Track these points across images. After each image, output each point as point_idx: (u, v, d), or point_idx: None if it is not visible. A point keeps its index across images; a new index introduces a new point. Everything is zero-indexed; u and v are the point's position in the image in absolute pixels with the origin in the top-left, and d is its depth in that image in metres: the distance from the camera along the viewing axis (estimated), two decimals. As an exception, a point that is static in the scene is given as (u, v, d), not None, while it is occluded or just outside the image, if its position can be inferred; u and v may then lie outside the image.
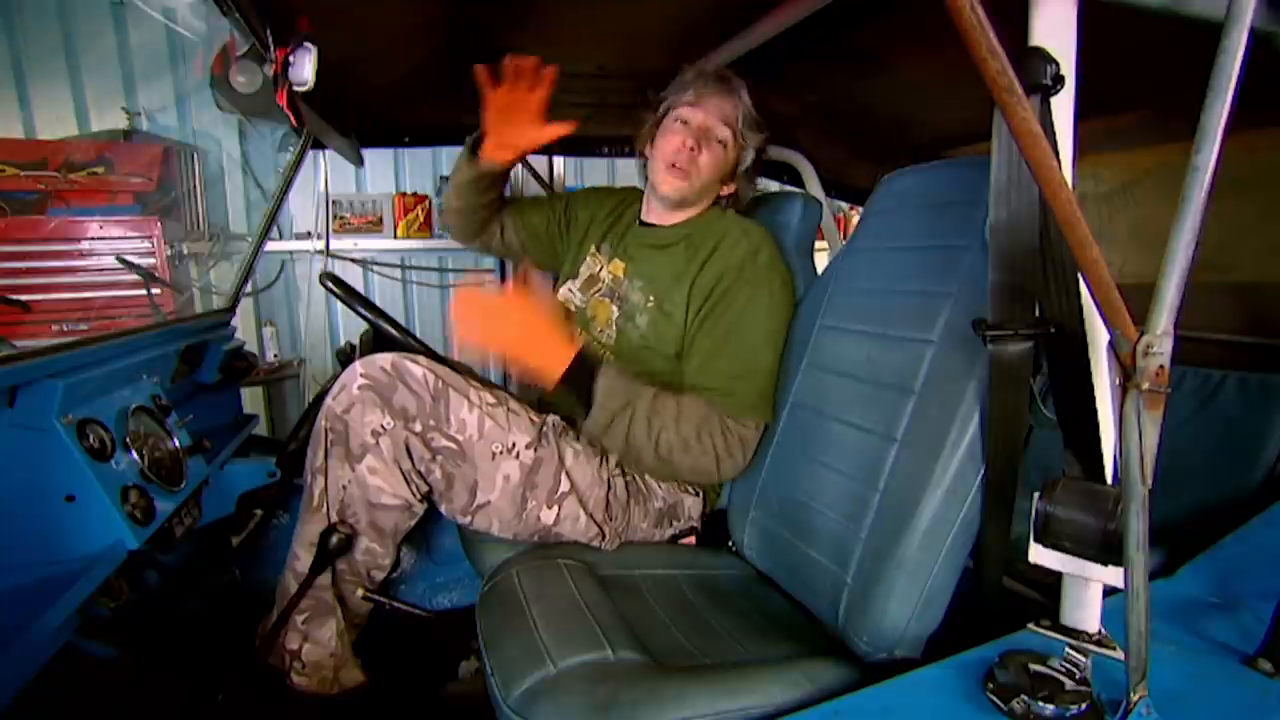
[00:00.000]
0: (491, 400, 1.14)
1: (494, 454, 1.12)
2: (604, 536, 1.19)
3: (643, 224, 1.38)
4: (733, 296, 1.19)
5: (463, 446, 1.10)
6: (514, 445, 1.13)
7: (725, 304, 1.19)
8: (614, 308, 1.32)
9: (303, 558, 1.12)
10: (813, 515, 1.03)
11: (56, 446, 0.90)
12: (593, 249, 1.43)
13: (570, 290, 1.42)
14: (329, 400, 1.09)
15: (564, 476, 1.15)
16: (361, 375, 1.08)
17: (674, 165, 1.24)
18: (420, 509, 1.15)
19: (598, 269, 1.40)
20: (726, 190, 1.33)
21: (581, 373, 1.10)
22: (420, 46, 1.33)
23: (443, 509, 1.17)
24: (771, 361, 1.19)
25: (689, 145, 1.23)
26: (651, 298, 1.27)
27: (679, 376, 1.22)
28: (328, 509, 1.10)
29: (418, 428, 1.08)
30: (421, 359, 1.12)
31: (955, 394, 0.84)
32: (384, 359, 1.10)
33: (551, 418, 1.21)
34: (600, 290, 1.37)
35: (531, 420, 1.17)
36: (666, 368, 1.24)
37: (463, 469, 1.11)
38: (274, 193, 1.64)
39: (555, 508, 1.15)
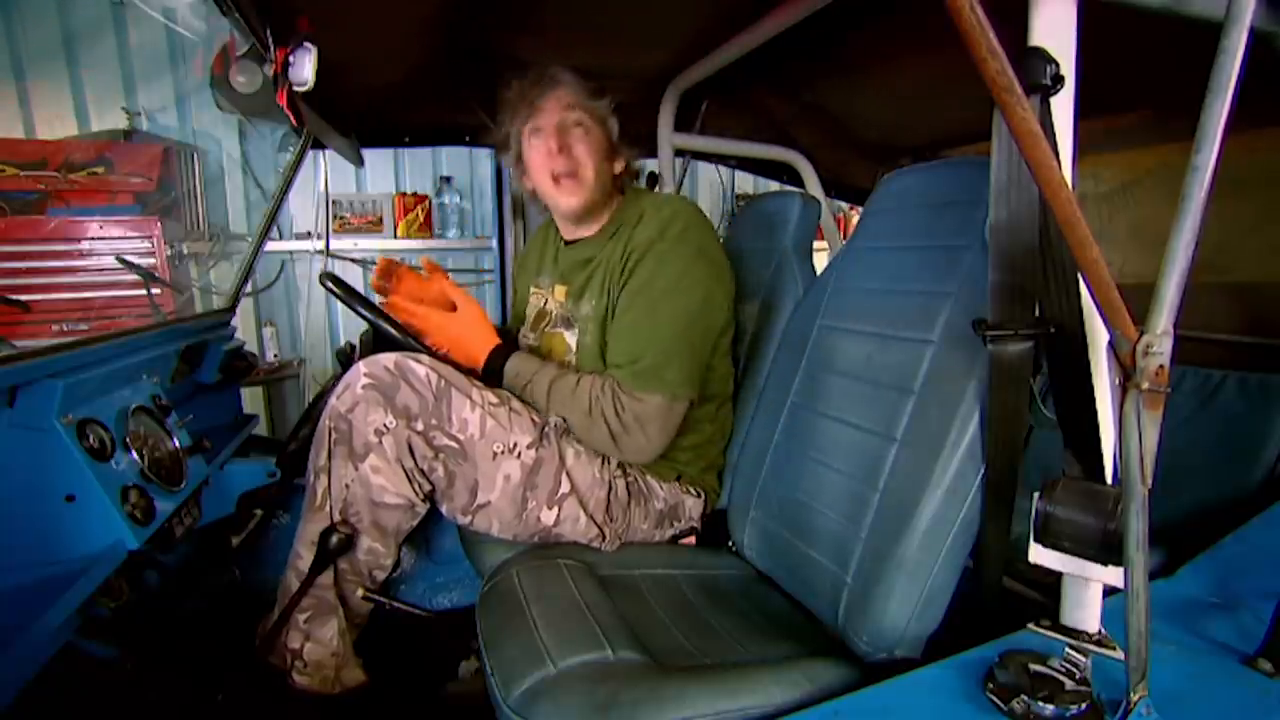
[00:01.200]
0: (494, 400, 1.14)
1: (495, 453, 1.12)
2: (604, 537, 1.19)
3: (568, 243, 1.34)
4: (642, 268, 1.17)
5: (464, 445, 1.10)
6: (515, 445, 1.13)
7: (632, 281, 1.17)
8: (570, 334, 1.29)
9: (305, 556, 1.12)
10: (813, 515, 1.03)
11: (56, 446, 0.90)
12: (533, 289, 1.42)
13: (524, 335, 1.40)
14: (332, 399, 1.09)
15: (564, 477, 1.15)
16: (365, 375, 1.08)
17: (556, 177, 1.21)
18: (423, 509, 1.15)
19: (543, 303, 1.38)
20: (619, 168, 1.28)
21: (490, 362, 1.22)
22: (420, 46, 1.33)
23: (443, 509, 1.17)
24: (682, 333, 1.15)
25: (554, 148, 1.19)
26: (595, 302, 1.24)
27: None
28: (330, 508, 1.11)
29: (420, 426, 1.09)
30: (424, 358, 1.13)
31: (955, 394, 0.84)
32: (387, 358, 1.10)
33: (554, 417, 1.21)
34: (550, 322, 1.34)
35: (533, 420, 1.17)
36: None
37: (464, 468, 1.11)
38: (274, 193, 1.64)
39: (555, 508, 1.15)
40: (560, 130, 1.20)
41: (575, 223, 1.30)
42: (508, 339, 1.32)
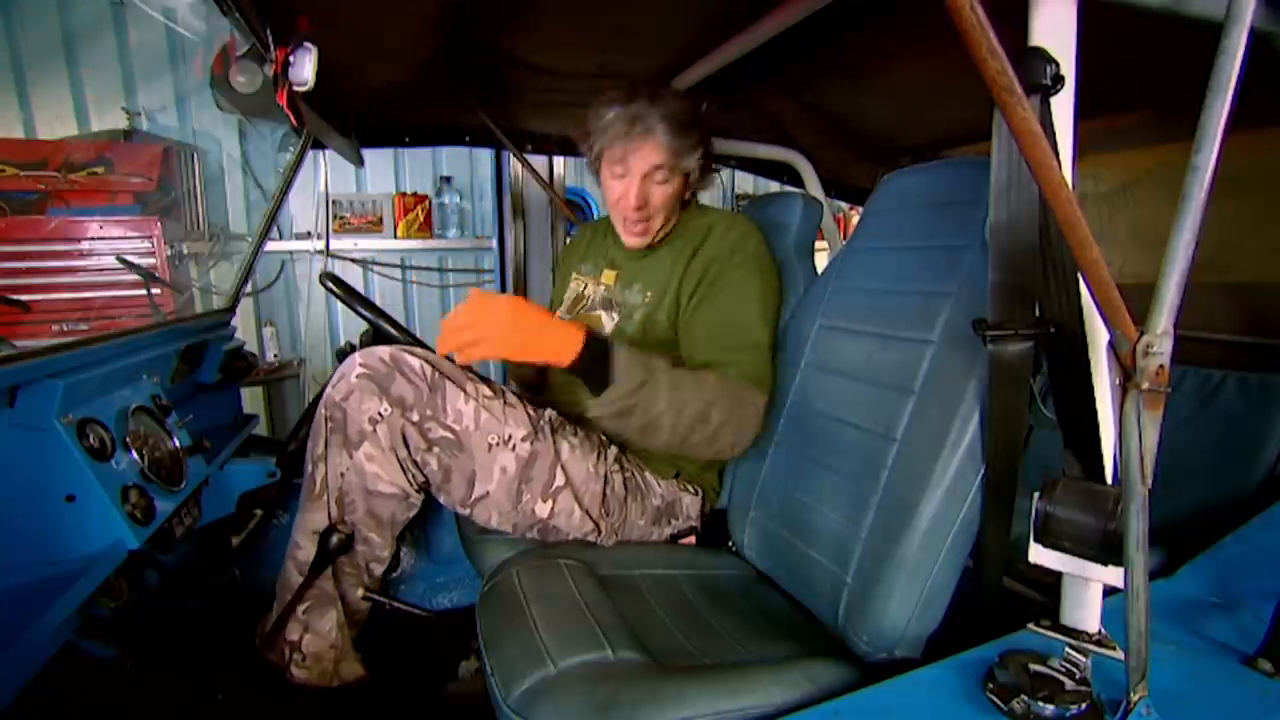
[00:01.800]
0: (488, 393, 1.15)
1: (490, 445, 1.12)
2: (600, 532, 1.19)
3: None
4: (726, 279, 1.22)
5: (459, 437, 1.11)
6: (510, 438, 1.13)
7: (719, 287, 1.21)
8: (609, 315, 1.33)
9: (305, 547, 1.13)
10: (813, 515, 1.03)
11: (56, 446, 0.90)
12: (574, 275, 1.46)
13: (559, 317, 1.41)
14: (329, 389, 1.11)
15: (559, 470, 1.16)
16: (360, 365, 1.09)
17: (626, 219, 1.26)
18: (417, 500, 1.16)
19: (582, 288, 1.42)
20: (686, 195, 1.32)
21: (588, 355, 1.03)
22: (420, 46, 1.33)
23: (442, 500, 1.17)
24: (769, 340, 1.22)
25: (635, 204, 1.22)
26: (649, 293, 1.28)
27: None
28: (328, 497, 1.11)
29: (415, 417, 1.09)
30: (419, 350, 1.14)
31: (955, 394, 0.84)
32: (383, 350, 1.11)
33: (548, 411, 1.22)
34: (587, 305, 1.38)
35: (528, 414, 1.17)
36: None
37: (460, 459, 1.12)
38: (274, 193, 1.64)
39: (550, 501, 1.16)
40: (643, 181, 1.22)
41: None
42: None
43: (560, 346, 1.02)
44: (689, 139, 1.23)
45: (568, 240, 1.76)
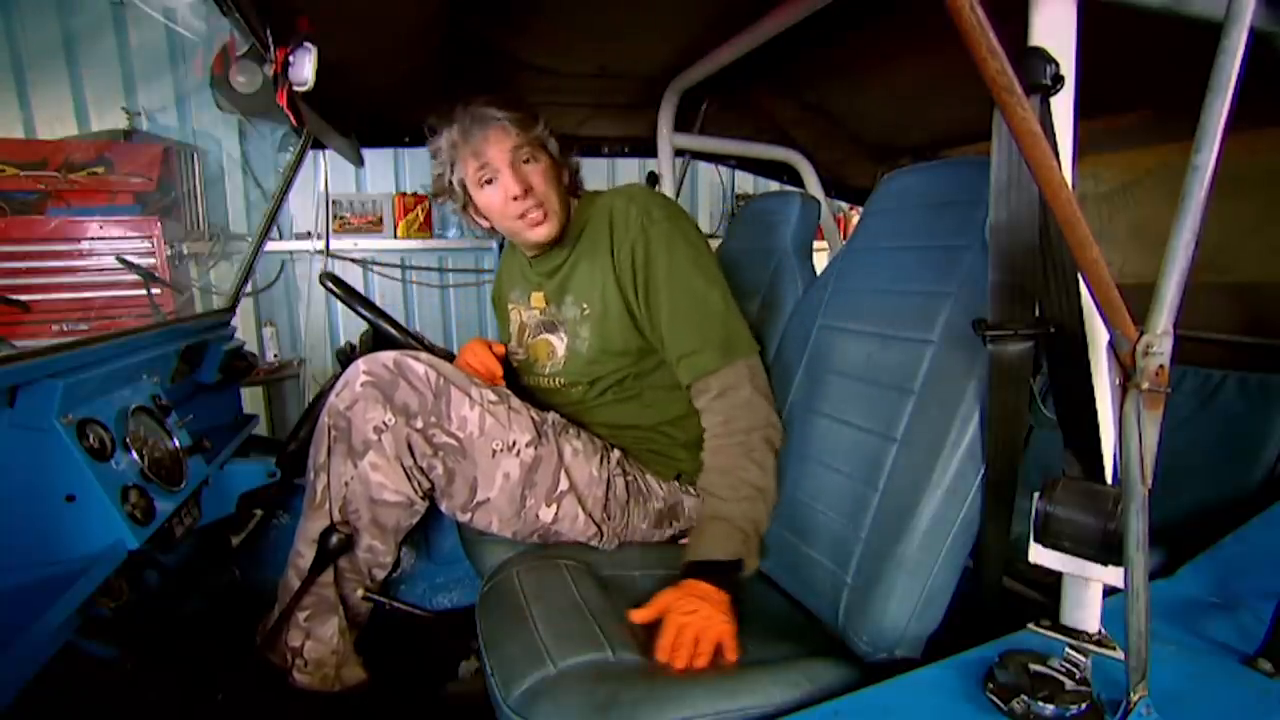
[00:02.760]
0: (493, 398, 1.15)
1: (494, 451, 1.12)
2: (602, 536, 1.19)
3: (534, 257, 1.31)
4: (655, 263, 1.15)
5: (463, 443, 1.11)
6: (514, 443, 1.13)
7: (653, 274, 1.15)
8: (556, 337, 1.28)
9: (306, 554, 1.12)
10: (813, 515, 1.03)
11: (56, 446, 0.90)
12: (510, 306, 1.41)
13: (512, 350, 1.39)
14: (332, 397, 1.10)
15: (563, 475, 1.16)
16: (364, 372, 1.08)
17: (523, 216, 1.18)
18: (422, 506, 1.15)
19: (521, 317, 1.37)
20: (566, 178, 1.25)
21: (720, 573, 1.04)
22: (420, 46, 1.33)
23: (443, 506, 1.17)
24: (723, 297, 1.16)
25: (514, 194, 1.15)
26: (585, 304, 1.23)
27: (634, 368, 1.22)
28: (330, 506, 1.11)
29: (419, 424, 1.09)
30: (423, 356, 1.13)
31: (955, 394, 0.84)
32: (386, 356, 1.10)
33: (551, 415, 1.21)
34: (531, 332, 1.33)
35: (532, 418, 1.17)
36: (621, 363, 1.22)
37: (463, 465, 1.12)
38: (274, 193, 1.64)
39: (554, 506, 1.15)
40: (514, 170, 1.15)
41: (539, 248, 1.27)
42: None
43: (720, 595, 0.99)
44: (525, 113, 1.18)
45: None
